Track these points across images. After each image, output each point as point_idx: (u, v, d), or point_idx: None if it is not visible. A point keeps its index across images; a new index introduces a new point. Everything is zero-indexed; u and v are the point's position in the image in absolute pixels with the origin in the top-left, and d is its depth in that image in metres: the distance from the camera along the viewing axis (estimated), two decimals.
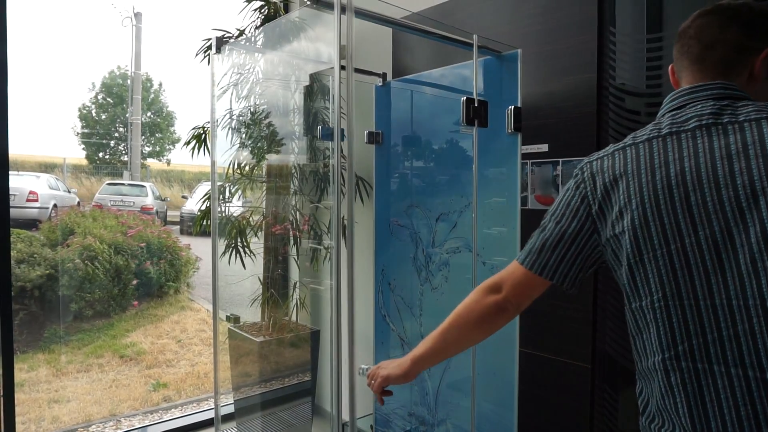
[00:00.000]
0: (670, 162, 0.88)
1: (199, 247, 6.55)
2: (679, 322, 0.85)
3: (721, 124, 0.87)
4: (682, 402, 0.85)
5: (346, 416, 2.73)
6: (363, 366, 1.45)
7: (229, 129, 2.83)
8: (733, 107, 0.88)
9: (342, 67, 1.45)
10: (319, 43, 2.42)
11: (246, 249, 2.94)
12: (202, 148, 2.96)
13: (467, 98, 1.80)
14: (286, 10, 3.18)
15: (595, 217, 0.97)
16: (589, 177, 0.98)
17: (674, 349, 0.86)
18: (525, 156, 2.02)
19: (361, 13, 1.63)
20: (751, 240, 0.80)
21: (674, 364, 0.86)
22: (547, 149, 1.98)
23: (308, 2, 1.49)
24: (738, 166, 0.82)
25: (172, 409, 3.81)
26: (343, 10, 1.45)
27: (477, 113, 1.83)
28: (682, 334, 0.85)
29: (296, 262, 3.16)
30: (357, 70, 2.59)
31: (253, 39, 2.92)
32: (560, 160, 1.94)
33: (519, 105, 1.82)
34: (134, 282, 5.46)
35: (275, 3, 2.98)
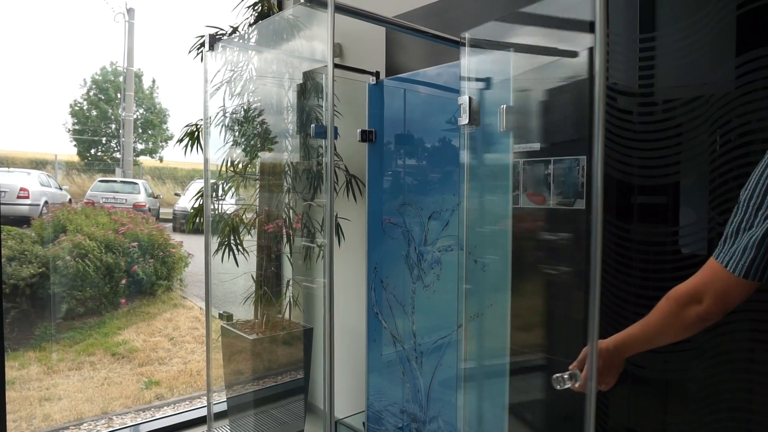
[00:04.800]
0: None
1: (192, 245, 6.52)
2: None
3: None
4: None
5: (338, 414, 2.74)
6: (559, 375, 1.24)
7: (222, 126, 2.82)
8: None
9: (336, 66, 1.45)
10: (313, 41, 2.42)
11: (239, 247, 2.93)
12: (195, 146, 2.95)
13: (470, 98, 1.81)
14: (280, 7, 3.18)
15: None
16: None
17: None
18: (517, 155, 2.03)
19: (354, 12, 1.63)
20: None
21: None
22: (539, 148, 1.99)
23: (302, 0, 1.49)
24: None
25: (165, 407, 3.80)
26: (336, 8, 1.45)
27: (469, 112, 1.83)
28: None
29: (289, 260, 3.16)
30: (350, 69, 2.59)
31: (246, 36, 2.91)
32: (552, 159, 1.95)
33: (511, 104, 1.82)
34: (123, 281, 5.42)
35: (269, 0, 2.98)
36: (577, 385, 1.17)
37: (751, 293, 0.94)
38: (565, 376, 1.23)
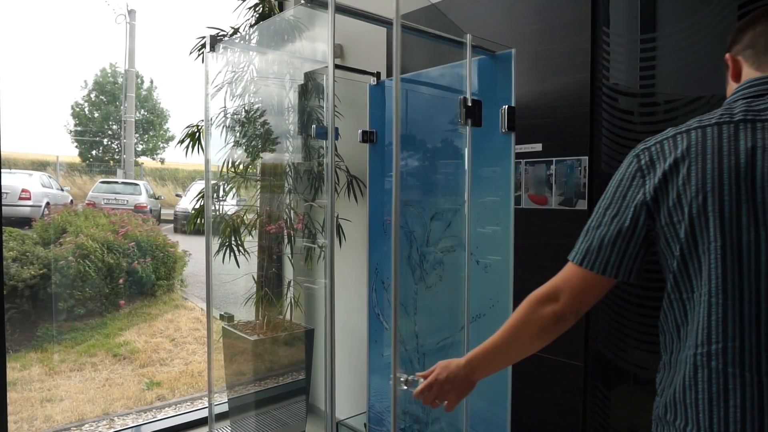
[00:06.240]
0: (741, 151, 0.82)
1: (193, 246, 6.53)
2: (718, 321, 0.82)
3: None
4: (703, 400, 0.84)
5: (339, 415, 2.73)
6: (399, 376, 1.26)
7: (223, 127, 2.82)
8: None
9: (336, 66, 1.45)
10: (314, 42, 2.42)
11: (240, 248, 2.93)
12: (196, 147, 2.95)
13: (462, 97, 1.81)
14: (281, 8, 3.18)
15: (650, 205, 0.90)
16: (648, 164, 0.91)
17: (707, 347, 0.84)
18: (519, 155, 2.03)
19: (355, 13, 1.63)
20: None
21: (704, 361, 0.84)
22: (540, 149, 1.99)
23: (303, 1, 1.49)
24: None
25: (166, 408, 3.80)
26: (337, 9, 1.45)
27: (470, 113, 1.83)
28: (719, 333, 0.82)
29: (290, 261, 3.16)
30: (351, 69, 2.59)
31: (247, 37, 2.91)
32: (554, 159, 1.95)
33: (513, 104, 1.82)
34: (121, 281, 5.41)
35: (270, 1, 2.98)
36: (413, 391, 1.17)
37: (607, 291, 0.98)
38: (401, 379, 1.25)
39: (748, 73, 0.94)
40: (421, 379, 1.16)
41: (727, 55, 1.00)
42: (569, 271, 0.99)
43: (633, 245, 0.92)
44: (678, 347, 0.91)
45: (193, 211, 3.08)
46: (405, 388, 1.25)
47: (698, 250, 0.85)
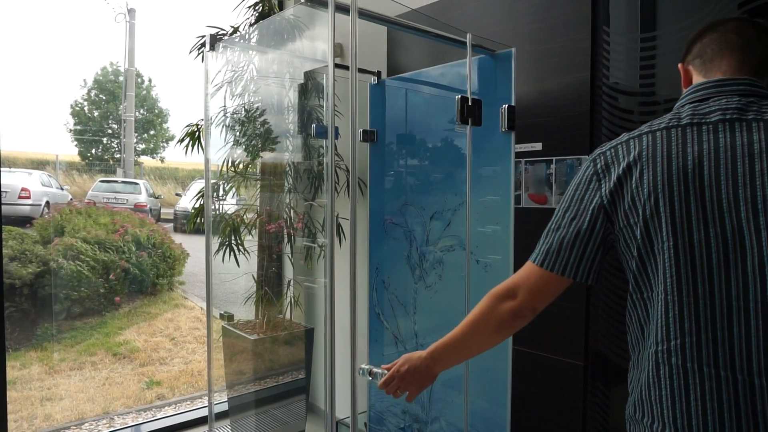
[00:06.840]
0: (689, 153, 0.86)
1: (193, 245, 6.53)
2: (675, 318, 0.85)
3: (745, 121, 0.85)
4: (666, 396, 0.86)
5: (339, 414, 2.73)
6: (364, 366, 1.32)
7: (223, 126, 2.82)
8: (759, 105, 0.87)
9: (336, 65, 1.45)
10: (314, 41, 2.42)
11: (240, 247, 2.93)
12: (196, 146, 2.95)
13: (462, 97, 1.80)
14: (281, 7, 3.17)
15: (607, 208, 0.94)
16: (603, 168, 0.95)
17: (666, 344, 0.86)
18: (519, 154, 2.03)
19: (356, 12, 1.63)
20: (762, 243, 0.80)
21: (664, 358, 0.87)
22: (540, 148, 1.99)
23: (303, 0, 1.49)
24: (759, 167, 0.81)
25: (166, 407, 3.80)
26: (337, 8, 1.45)
27: (471, 112, 1.83)
28: (677, 330, 0.85)
29: (290, 260, 3.16)
30: None
31: (247, 36, 2.91)
32: (554, 158, 1.95)
33: (513, 104, 1.82)
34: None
35: (270, 0, 2.98)
36: (378, 383, 1.22)
37: (563, 290, 1.01)
38: (365, 368, 1.31)
39: (697, 80, 0.99)
40: (386, 371, 1.21)
41: (680, 65, 1.06)
42: (529, 269, 1.03)
43: (591, 247, 0.96)
44: (643, 346, 0.94)
45: (193, 211, 3.08)
46: (369, 378, 1.30)
47: (654, 250, 0.89)
